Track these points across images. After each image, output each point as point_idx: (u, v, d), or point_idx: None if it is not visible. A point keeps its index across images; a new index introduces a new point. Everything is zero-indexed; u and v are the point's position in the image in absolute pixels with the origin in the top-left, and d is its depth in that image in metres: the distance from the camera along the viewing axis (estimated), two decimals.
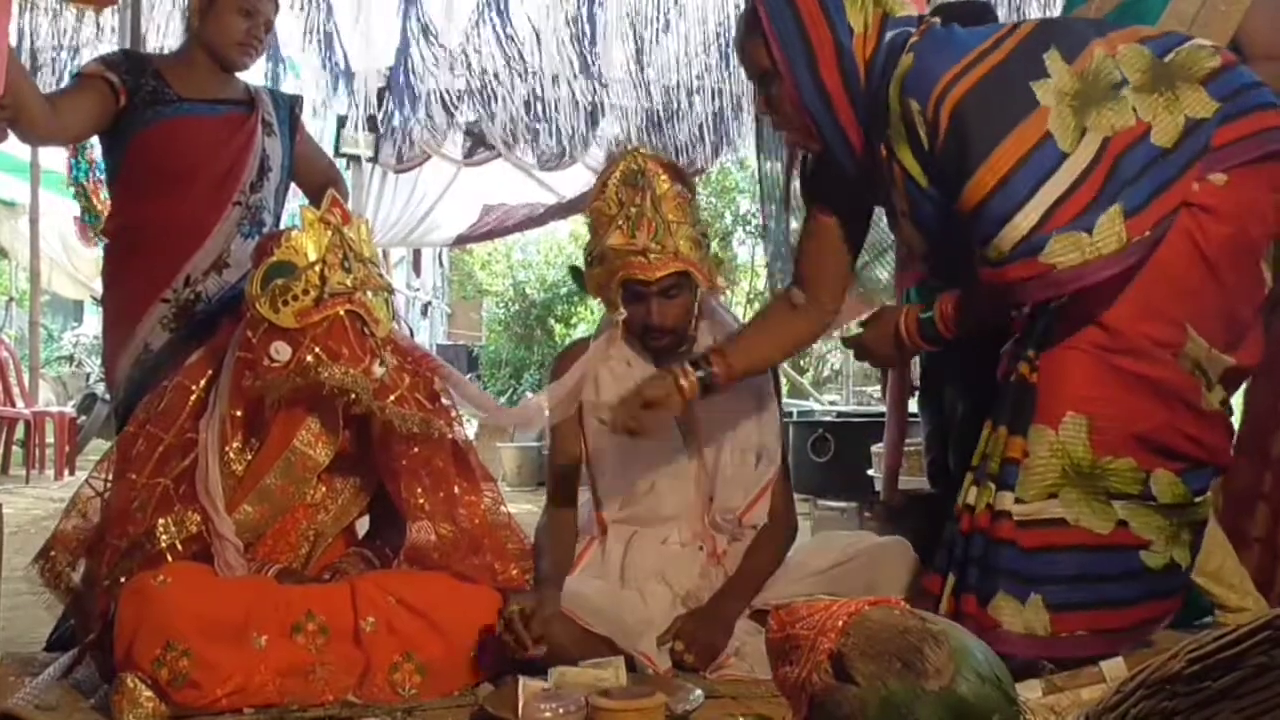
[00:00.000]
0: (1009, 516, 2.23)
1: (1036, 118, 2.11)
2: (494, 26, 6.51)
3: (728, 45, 6.52)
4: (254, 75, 4.62)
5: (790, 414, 7.26)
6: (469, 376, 5.14)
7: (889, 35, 2.25)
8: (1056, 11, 5.23)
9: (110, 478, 2.58)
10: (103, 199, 7.19)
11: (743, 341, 2.64)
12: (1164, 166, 2.16)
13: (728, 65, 6.53)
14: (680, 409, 2.58)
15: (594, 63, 6.82)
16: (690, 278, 2.70)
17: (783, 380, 3.04)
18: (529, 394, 10.00)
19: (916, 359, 3.58)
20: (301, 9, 6.48)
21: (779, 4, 2.30)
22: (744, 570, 2.72)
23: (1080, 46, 2.19)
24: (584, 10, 6.40)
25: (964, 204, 2.15)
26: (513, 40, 6.61)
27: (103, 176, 6.35)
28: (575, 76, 6.90)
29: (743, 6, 2.48)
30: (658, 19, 6.56)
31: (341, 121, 7.59)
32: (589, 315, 14.06)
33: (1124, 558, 2.24)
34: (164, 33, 6.05)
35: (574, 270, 2.87)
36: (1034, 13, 5.74)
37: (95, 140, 3.25)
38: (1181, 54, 2.24)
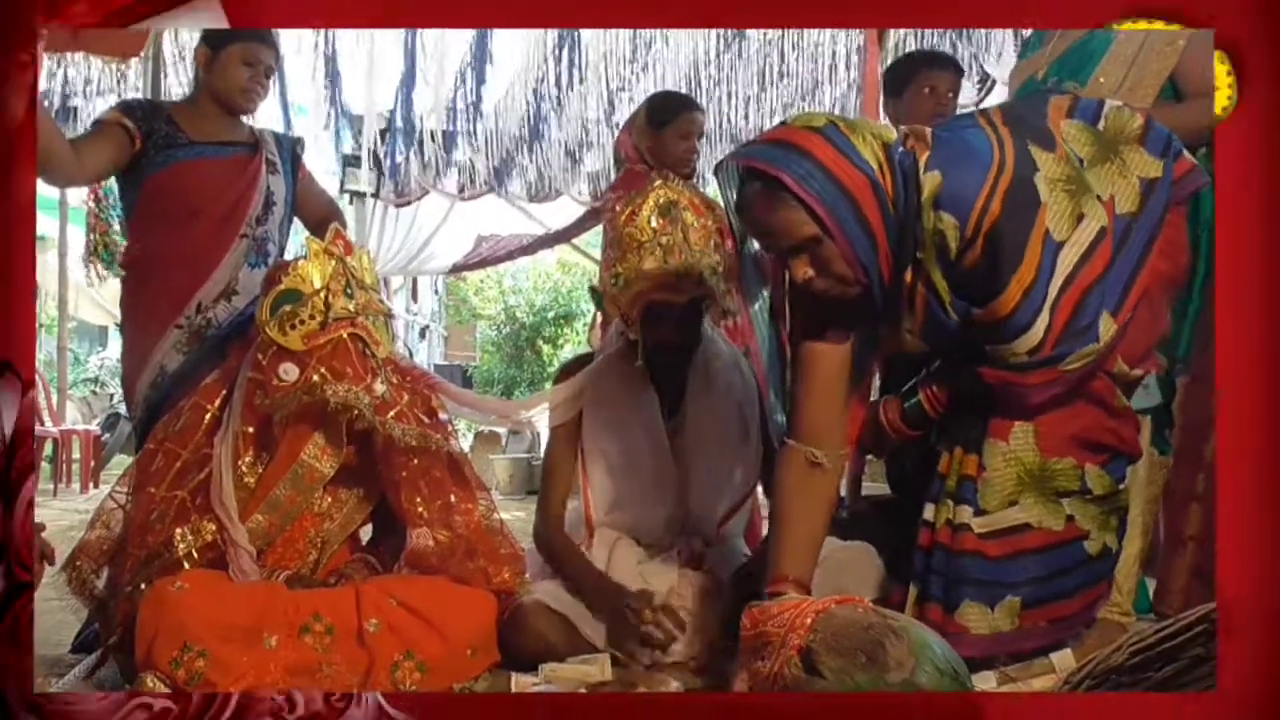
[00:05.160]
0: (969, 529, 2.21)
1: (1040, 218, 2.06)
2: (482, 73, 6.53)
3: (706, 82, 6.54)
4: (267, 118, 4.61)
5: None
6: None
7: (896, 160, 2.11)
8: (1013, 54, 5.23)
9: (131, 491, 2.55)
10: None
11: (792, 541, 2.25)
12: (1134, 239, 2.15)
13: (708, 104, 6.53)
14: None
15: (576, 104, 6.85)
16: (707, 304, 2.68)
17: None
18: None
19: (875, 371, 3.58)
20: (310, 57, 6.49)
21: (805, 166, 2.05)
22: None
23: (1047, 132, 2.15)
24: (564, 55, 6.43)
25: (992, 313, 2.10)
26: (497, 83, 6.65)
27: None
28: (559, 118, 6.93)
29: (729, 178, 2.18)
30: (634, 61, 6.59)
31: (347, 160, 7.59)
32: (575, 337, 14.03)
33: (1073, 550, 2.25)
34: (182, 82, 6.06)
35: (593, 290, 2.85)
36: (995, 57, 5.74)
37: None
38: (1110, 117, 2.23)
